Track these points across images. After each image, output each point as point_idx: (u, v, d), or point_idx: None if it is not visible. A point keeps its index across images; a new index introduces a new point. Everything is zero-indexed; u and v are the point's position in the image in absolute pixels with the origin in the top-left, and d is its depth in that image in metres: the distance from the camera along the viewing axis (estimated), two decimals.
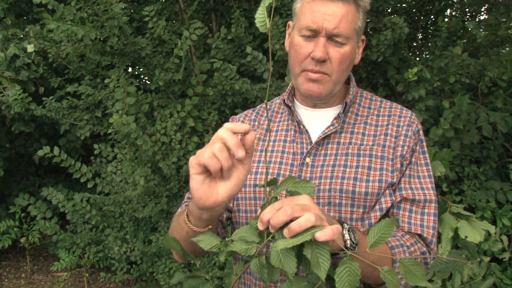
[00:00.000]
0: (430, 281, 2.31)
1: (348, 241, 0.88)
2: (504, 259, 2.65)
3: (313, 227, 0.73)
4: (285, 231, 0.74)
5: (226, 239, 0.81)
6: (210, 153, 0.80)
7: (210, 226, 0.95)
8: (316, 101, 1.16)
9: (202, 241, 0.82)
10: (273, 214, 0.76)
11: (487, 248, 2.69)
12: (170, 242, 0.86)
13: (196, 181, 0.84)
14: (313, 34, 1.05)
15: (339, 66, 1.07)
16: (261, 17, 0.75)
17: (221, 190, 0.85)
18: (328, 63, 1.06)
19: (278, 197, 0.81)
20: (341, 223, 0.91)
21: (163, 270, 3.18)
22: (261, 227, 0.77)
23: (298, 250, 0.74)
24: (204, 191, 0.84)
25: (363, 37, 1.14)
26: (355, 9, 1.06)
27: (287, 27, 1.19)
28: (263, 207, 0.79)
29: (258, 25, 0.74)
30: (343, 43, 1.05)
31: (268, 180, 0.83)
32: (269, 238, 0.76)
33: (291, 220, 0.74)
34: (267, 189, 0.82)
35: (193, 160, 0.83)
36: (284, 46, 2.81)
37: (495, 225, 2.71)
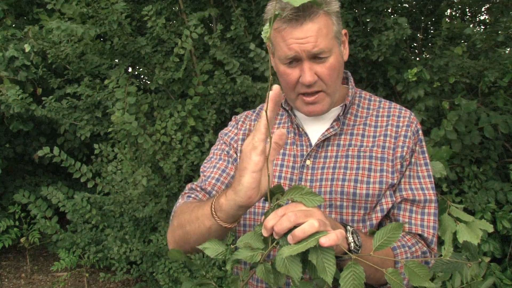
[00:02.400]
0: (431, 280, 2.30)
1: (352, 244, 0.88)
2: None
3: (317, 232, 0.73)
4: (289, 237, 0.74)
5: (231, 245, 0.81)
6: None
7: (235, 221, 0.94)
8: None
9: (208, 248, 0.83)
10: (276, 221, 0.76)
11: (487, 249, 2.69)
12: (174, 255, 0.87)
13: (255, 180, 0.81)
14: (295, 60, 1.05)
15: (330, 79, 1.07)
16: (266, 29, 0.75)
17: (264, 182, 0.83)
18: (319, 81, 1.06)
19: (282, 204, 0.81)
20: (345, 225, 0.91)
21: (163, 270, 3.18)
22: (265, 233, 0.78)
23: (303, 255, 0.74)
24: (256, 189, 0.82)
25: (344, 31, 1.13)
26: (326, 19, 1.04)
27: (268, 48, 1.19)
28: (266, 214, 0.79)
29: (263, 35, 0.75)
30: (327, 56, 1.04)
31: (273, 186, 0.83)
32: (274, 244, 0.77)
33: (295, 226, 0.74)
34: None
35: (255, 152, 0.80)
36: None
37: (496, 227, 2.71)
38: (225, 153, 1.24)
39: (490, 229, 1.40)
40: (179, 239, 1.06)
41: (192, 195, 1.18)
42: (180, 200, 1.20)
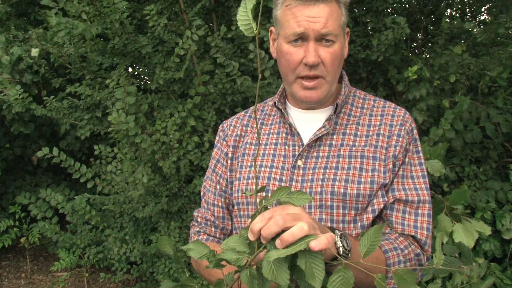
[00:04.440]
0: (430, 281, 2.30)
1: (341, 248, 0.86)
2: None
3: (306, 236, 0.71)
4: (278, 241, 0.72)
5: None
6: None
7: None
8: (312, 105, 1.15)
9: (192, 250, 0.80)
10: (264, 224, 0.74)
11: (488, 248, 2.69)
12: (164, 245, 0.86)
13: None
14: (301, 38, 1.04)
15: (332, 66, 1.06)
16: (244, 19, 0.71)
17: None
18: (321, 66, 1.05)
19: (269, 207, 0.78)
20: (333, 230, 0.90)
21: (163, 270, 3.18)
22: (252, 237, 0.76)
23: (291, 261, 0.72)
24: None
25: (347, 29, 1.14)
26: (337, 6, 1.05)
27: (269, 33, 1.18)
28: (253, 217, 0.77)
29: (242, 28, 0.71)
30: (333, 41, 1.04)
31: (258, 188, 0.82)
32: (261, 249, 0.75)
33: (283, 230, 0.73)
34: (258, 198, 0.80)
35: None
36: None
37: (495, 226, 2.71)
38: (216, 175, 1.26)
39: (488, 231, 1.39)
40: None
41: (201, 232, 1.26)
42: (193, 236, 1.27)
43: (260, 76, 0.73)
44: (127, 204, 3.30)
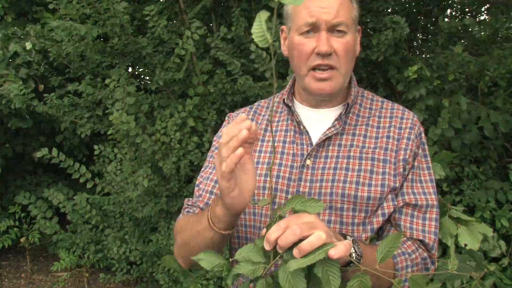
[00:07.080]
0: (430, 280, 2.31)
1: (354, 254, 0.86)
2: (503, 265, 2.65)
3: (323, 244, 0.73)
4: (295, 251, 0.73)
5: (230, 259, 0.81)
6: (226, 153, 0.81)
7: (234, 227, 0.97)
8: (324, 98, 1.13)
9: (203, 260, 0.81)
10: (280, 234, 0.74)
11: (487, 248, 2.69)
12: (169, 262, 0.86)
13: (234, 197, 0.85)
14: (313, 29, 1.03)
15: (345, 57, 1.05)
16: (258, 32, 0.72)
17: (247, 185, 0.86)
18: (334, 56, 1.04)
19: (284, 215, 0.80)
20: (344, 236, 0.90)
21: (163, 270, 3.18)
22: (268, 247, 0.76)
23: (306, 269, 0.74)
24: (237, 197, 0.85)
25: (359, 27, 1.13)
26: (348, 0, 1.06)
27: (280, 32, 1.16)
28: (268, 227, 0.77)
29: (256, 41, 0.72)
30: (345, 31, 1.04)
31: (268, 197, 0.83)
32: (277, 258, 0.76)
33: (300, 239, 0.73)
34: (269, 205, 0.82)
35: (218, 174, 0.84)
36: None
37: (494, 226, 2.71)
38: None
39: (490, 232, 1.40)
40: (186, 256, 1.06)
41: (191, 210, 1.19)
42: (180, 216, 1.21)
43: (274, 88, 0.74)
44: (127, 204, 3.30)
